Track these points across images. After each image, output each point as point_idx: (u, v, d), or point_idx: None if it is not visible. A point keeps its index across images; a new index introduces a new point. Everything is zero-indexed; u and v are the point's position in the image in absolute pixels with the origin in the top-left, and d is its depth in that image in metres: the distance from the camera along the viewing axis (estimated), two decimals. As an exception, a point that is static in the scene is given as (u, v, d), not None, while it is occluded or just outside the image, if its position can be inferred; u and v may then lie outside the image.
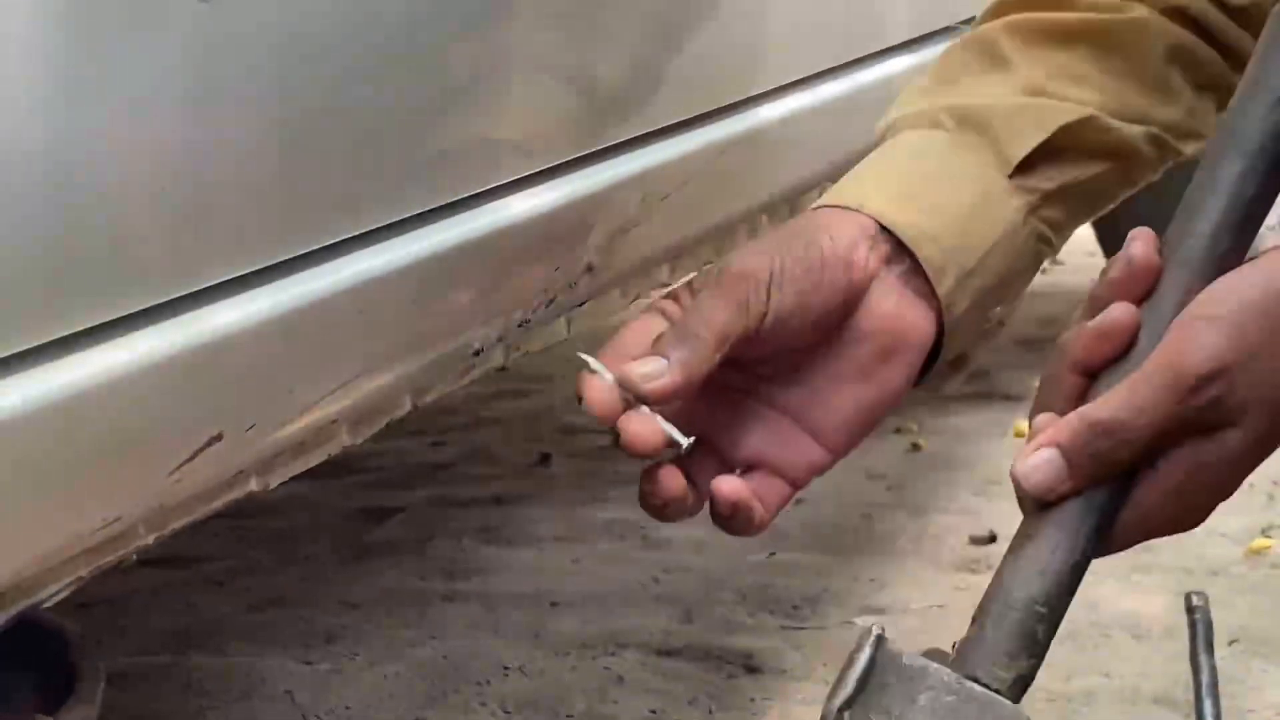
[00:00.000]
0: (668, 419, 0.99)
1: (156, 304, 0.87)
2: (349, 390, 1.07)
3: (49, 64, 0.83)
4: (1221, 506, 2.57)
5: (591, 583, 2.12)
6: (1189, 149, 1.21)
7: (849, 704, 0.96)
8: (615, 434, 1.01)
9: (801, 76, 1.58)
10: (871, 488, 2.39)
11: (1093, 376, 0.97)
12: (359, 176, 1.04)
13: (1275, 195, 1.03)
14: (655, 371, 0.98)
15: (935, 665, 0.98)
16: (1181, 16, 1.21)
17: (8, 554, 0.84)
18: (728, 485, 1.02)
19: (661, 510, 1.03)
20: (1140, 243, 0.98)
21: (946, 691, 0.97)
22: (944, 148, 1.12)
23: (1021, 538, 1.01)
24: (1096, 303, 0.99)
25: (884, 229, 1.06)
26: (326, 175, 1.00)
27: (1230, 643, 1.86)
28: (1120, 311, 0.97)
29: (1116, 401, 0.93)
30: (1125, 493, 0.97)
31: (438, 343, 1.15)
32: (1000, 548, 2.20)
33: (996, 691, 0.97)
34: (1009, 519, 2.46)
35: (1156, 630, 1.95)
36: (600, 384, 1.01)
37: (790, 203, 1.72)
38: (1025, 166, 1.11)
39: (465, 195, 1.12)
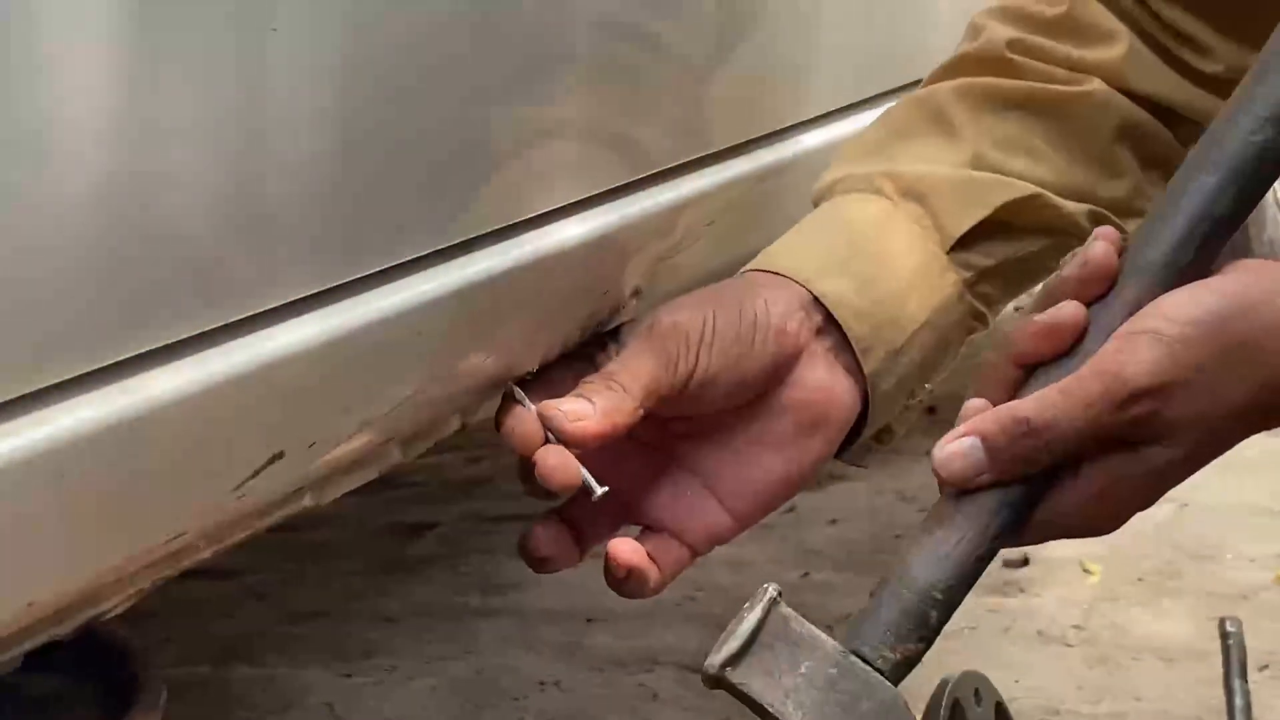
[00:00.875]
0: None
1: (224, 324, 0.87)
2: (403, 410, 1.06)
3: (125, 90, 0.84)
4: (1250, 533, 2.59)
5: (626, 600, 2.12)
6: (1130, 226, 1.16)
7: (733, 661, 0.94)
8: (524, 470, 1.00)
9: (840, 106, 1.58)
10: (904, 509, 2.39)
11: (1031, 371, 0.94)
12: (416, 203, 1.03)
13: (1245, 216, 1.01)
14: (580, 412, 0.98)
15: (823, 635, 0.97)
16: (1134, 96, 1.18)
17: (78, 569, 0.85)
18: (625, 549, 1.02)
19: (541, 564, 1.05)
20: (1101, 243, 0.95)
21: (830, 663, 0.96)
22: (883, 217, 1.10)
23: (932, 520, 0.99)
24: (1049, 297, 0.96)
25: (817, 301, 1.04)
26: (385, 202, 1.00)
27: (1261, 668, 1.86)
28: (1069, 310, 0.94)
29: (1048, 402, 0.91)
30: (1042, 491, 0.95)
31: (489, 365, 1.13)
32: (1033, 571, 2.23)
33: (879, 671, 0.96)
34: (1042, 544, 2.48)
35: (1185, 654, 1.94)
36: (523, 413, 1.01)
37: None
38: (964, 242, 1.09)
39: (518, 220, 1.12)
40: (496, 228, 1.10)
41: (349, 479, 1.11)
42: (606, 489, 0.99)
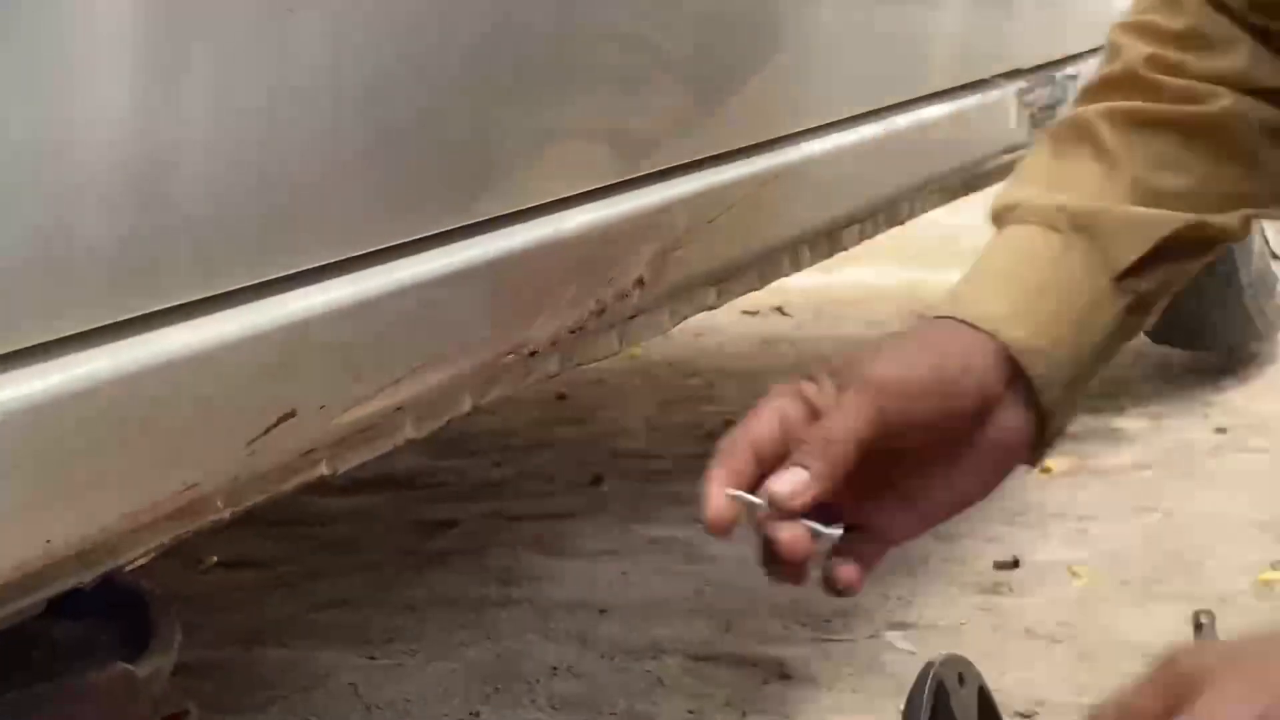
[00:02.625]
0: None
1: (242, 287, 0.88)
2: (413, 379, 1.07)
3: (155, 65, 0.84)
4: (1231, 542, 2.56)
5: (637, 593, 2.12)
6: (1278, 212, 1.22)
7: None
8: (766, 554, 0.99)
9: (842, 117, 1.59)
10: None
11: None
12: (434, 182, 1.05)
13: None
14: (800, 487, 0.98)
15: None
16: (1265, 93, 1.19)
17: (95, 511, 0.85)
18: (848, 572, 1.02)
19: (785, 574, 1.03)
20: None
21: None
22: (1059, 251, 1.11)
23: None
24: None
25: (1006, 348, 1.06)
26: (405, 180, 1.02)
27: None
28: None
29: None
30: None
31: (497, 341, 1.15)
32: (1023, 573, 2.22)
33: None
34: (1032, 546, 2.46)
35: (1167, 653, 1.94)
36: (720, 500, 1.00)
37: (829, 236, 1.72)
38: (1130, 271, 1.11)
39: (530, 205, 1.13)
40: (510, 211, 1.11)
41: (364, 449, 1.11)
42: (840, 529, 1.01)
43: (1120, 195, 1.15)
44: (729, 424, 3.02)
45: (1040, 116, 2.00)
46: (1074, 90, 2.06)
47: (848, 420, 1.01)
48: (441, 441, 2.65)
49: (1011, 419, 1.07)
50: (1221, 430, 2.74)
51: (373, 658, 1.95)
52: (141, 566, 0.99)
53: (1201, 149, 1.18)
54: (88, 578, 0.92)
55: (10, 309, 0.78)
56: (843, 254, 1.97)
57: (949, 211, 2.46)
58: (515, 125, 1.12)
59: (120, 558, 0.94)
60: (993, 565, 2.21)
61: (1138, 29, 1.22)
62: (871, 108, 1.65)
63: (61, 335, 0.79)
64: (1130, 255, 1.11)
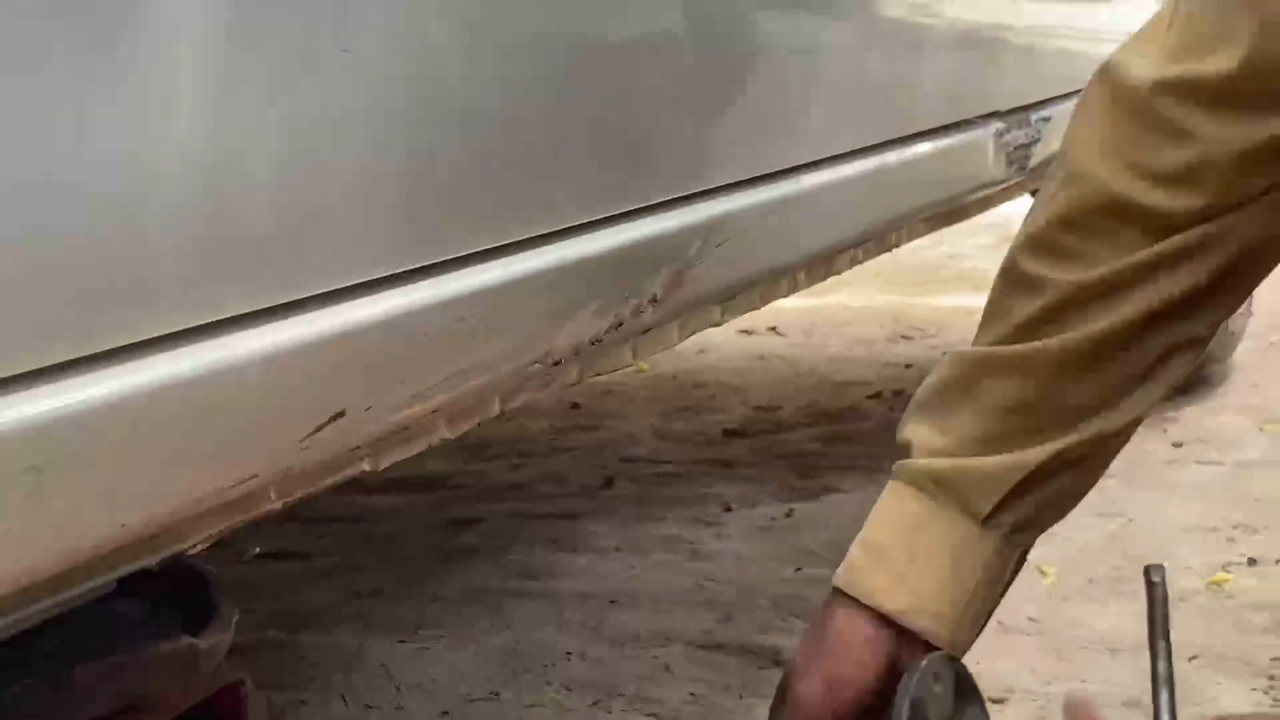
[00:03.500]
0: None
1: (300, 298, 0.88)
2: (448, 386, 1.06)
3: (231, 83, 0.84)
4: (1188, 546, 2.54)
5: (646, 587, 2.13)
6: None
7: None
8: None
9: (838, 153, 1.59)
10: None
11: None
12: (474, 206, 1.05)
13: None
14: None
15: None
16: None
17: (165, 498, 0.85)
18: None
19: None
20: None
21: None
22: (927, 515, 1.10)
23: None
24: None
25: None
26: (442, 202, 1.02)
27: (1191, 658, 1.86)
28: None
29: None
30: None
31: (526, 351, 1.14)
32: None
33: None
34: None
35: (1130, 646, 1.94)
36: None
37: (825, 261, 1.72)
38: (993, 513, 1.09)
39: (560, 228, 1.12)
40: (540, 233, 1.11)
41: (401, 448, 1.11)
42: None
43: (976, 442, 1.12)
44: (728, 433, 3.05)
45: (1015, 155, 2.00)
46: (1046, 130, 2.06)
47: None
48: (466, 446, 2.67)
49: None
50: (1178, 444, 2.75)
51: (402, 641, 1.97)
52: (197, 553, 1.00)
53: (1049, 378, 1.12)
54: (155, 559, 0.92)
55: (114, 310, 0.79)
56: (833, 278, 1.98)
57: (931, 240, 2.47)
58: (547, 156, 1.13)
59: (184, 543, 0.94)
60: None
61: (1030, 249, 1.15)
62: (864, 145, 1.65)
63: (150, 336, 0.80)
64: (989, 503, 1.09)
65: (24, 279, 0.74)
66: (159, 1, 0.79)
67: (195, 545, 0.95)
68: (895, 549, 1.10)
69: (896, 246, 1.96)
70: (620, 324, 1.23)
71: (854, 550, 1.13)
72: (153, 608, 0.97)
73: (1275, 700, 1.77)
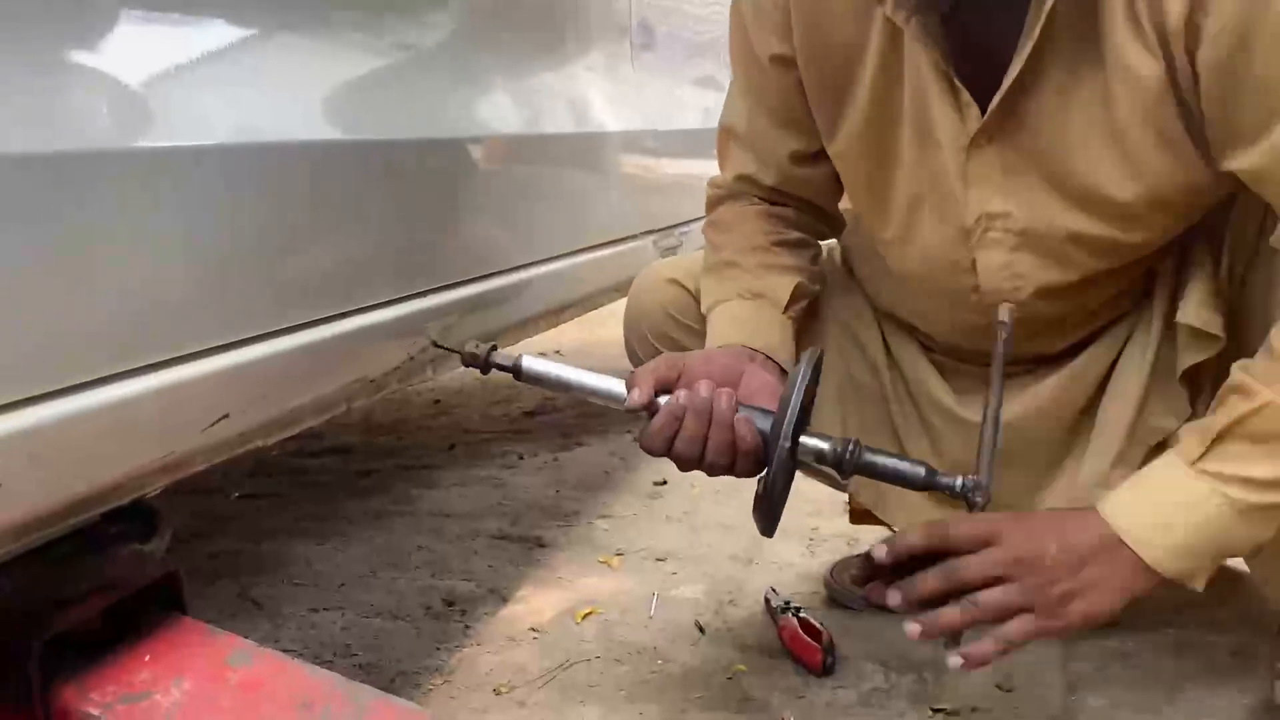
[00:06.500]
0: None
1: (197, 350, 0.86)
2: (304, 393, 1.03)
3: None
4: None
5: (468, 506, 2.10)
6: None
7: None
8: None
9: (550, 255, 1.55)
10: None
11: None
12: (310, 287, 0.99)
13: None
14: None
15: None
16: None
17: (125, 464, 0.84)
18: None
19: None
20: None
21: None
22: (753, 309, 1.04)
23: None
24: None
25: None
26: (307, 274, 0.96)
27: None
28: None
29: None
30: None
31: (351, 374, 1.11)
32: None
33: None
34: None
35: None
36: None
37: (550, 316, 1.66)
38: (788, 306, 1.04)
39: (373, 302, 1.08)
40: (361, 306, 1.07)
41: (283, 431, 1.06)
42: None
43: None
44: (525, 414, 2.94)
45: (665, 252, 1.99)
46: (687, 240, 2.10)
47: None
48: (369, 427, 2.63)
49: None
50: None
51: (319, 544, 1.93)
52: (178, 495, 0.98)
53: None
54: (124, 501, 0.90)
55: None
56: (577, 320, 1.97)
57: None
58: (346, 260, 1.07)
59: (141, 491, 0.92)
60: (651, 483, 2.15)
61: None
62: (571, 249, 1.61)
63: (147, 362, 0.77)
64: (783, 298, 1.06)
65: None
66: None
67: (149, 492, 0.94)
68: (741, 324, 1.00)
69: (600, 306, 1.93)
70: (413, 358, 1.21)
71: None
72: (122, 529, 0.94)
73: (814, 552, 1.73)
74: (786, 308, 1.09)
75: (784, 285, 1.10)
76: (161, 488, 0.94)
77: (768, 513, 0.87)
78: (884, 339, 1.18)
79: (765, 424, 0.86)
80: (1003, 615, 0.84)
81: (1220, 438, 0.82)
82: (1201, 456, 0.83)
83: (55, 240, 0.74)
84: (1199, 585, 0.85)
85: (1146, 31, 0.84)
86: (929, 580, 0.85)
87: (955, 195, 0.97)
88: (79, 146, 0.74)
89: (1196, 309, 0.99)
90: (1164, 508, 0.83)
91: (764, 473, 0.88)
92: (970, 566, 0.83)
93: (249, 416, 0.96)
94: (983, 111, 0.92)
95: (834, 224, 1.22)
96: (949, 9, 0.90)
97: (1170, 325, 1.05)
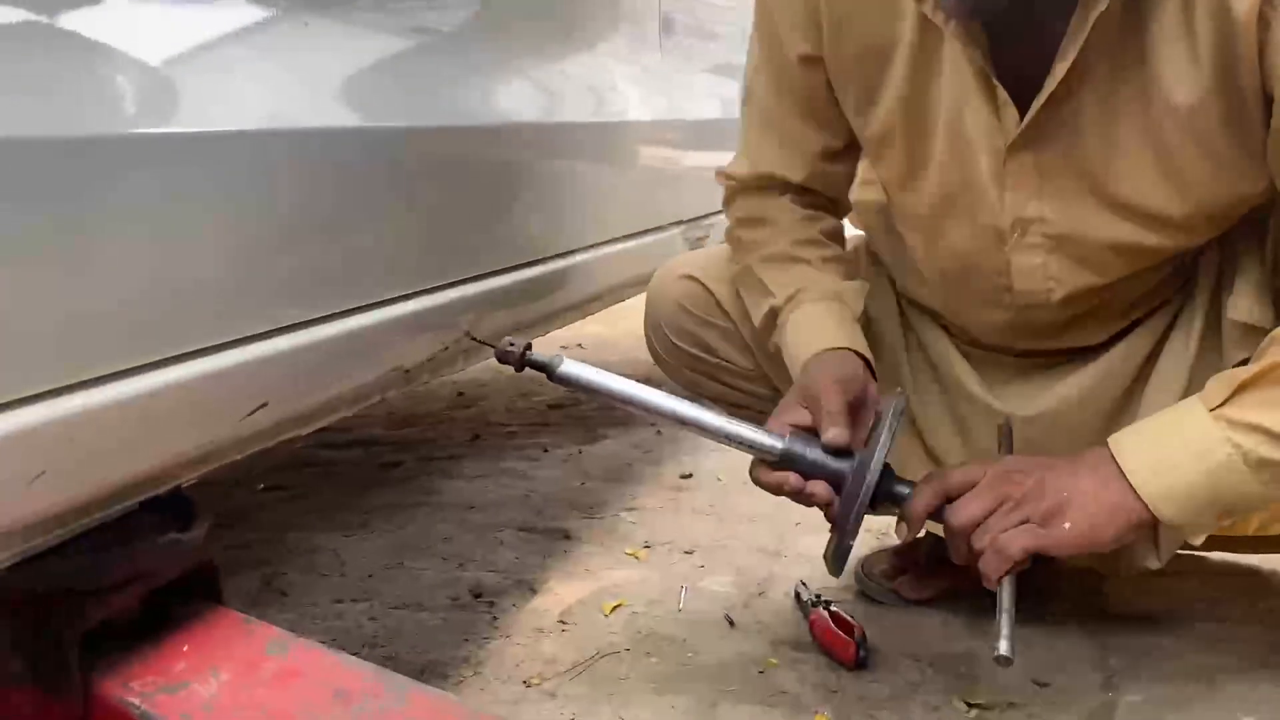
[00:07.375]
0: None
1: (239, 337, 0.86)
2: (341, 384, 1.04)
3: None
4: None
5: (493, 497, 2.10)
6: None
7: None
8: None
9: (592, 242, 1.56)
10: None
11: None
12: (356, 279, 0.99)
13: None
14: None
15: None
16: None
17: (163, 454, 0.84)
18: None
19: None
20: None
21: None
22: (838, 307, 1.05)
23: None
24: None
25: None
26: (335, 267, 0.96)
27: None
28: None
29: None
30: None
31: (388, 363, 1.10)
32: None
33: None
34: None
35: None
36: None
37: (579, 308, 1.67)
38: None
39: (414, 290, 1.08)
40: (399, 294, 1.06)
41: (318, 420, 1.06)
42: None
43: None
44: (550, 407, 2.91)
45: (693, 244, 1.99)
46: (714, 231, 2.09)
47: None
48: (394, 419, 2.64)
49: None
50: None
51: (346, 535, 1.93)
52: (205, 486, 0.96)
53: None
54: (161, 490, 0.91)
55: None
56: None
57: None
58: (398, 249, 1.07)
59: (178, 480, 0.92)
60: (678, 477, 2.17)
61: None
62: (609, 237, 1.61)
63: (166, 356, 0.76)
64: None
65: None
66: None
67: (186, 481, 0.94)
68: (831, 318, 1.01)
69: (618, 301, 1.92)
70: (447, 348, 1.21)
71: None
72: (160, 518, 0.94)
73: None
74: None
75: (854, 292, 1.11)
76: (197, 477, 0.94)
77: (841, 560, 0.87)
78: (903, 325, 1.16)
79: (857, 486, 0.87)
80: (1007, 530, 0.83)
81: (1245, 386, 0.81)
82: (1224, 403, 0.82)
83: (95, 228, 0.73)
84: (1196, 539, 0.84)
85: (1200, 37, 0.81)
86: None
87: (989, 197, 0.98)
88: (119, 131, 0.74)
89: (1249, 304, 0.98)
90: (1171, 447, 0.82)
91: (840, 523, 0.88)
92: (967, 501, 0.84)
93: (287, 405, 0.96)
94: (1020, 114, 0.90)
95: (844, 213, 1.23)
96: (993, 15, 0.88)
97: (1214, 313, 1.03)
